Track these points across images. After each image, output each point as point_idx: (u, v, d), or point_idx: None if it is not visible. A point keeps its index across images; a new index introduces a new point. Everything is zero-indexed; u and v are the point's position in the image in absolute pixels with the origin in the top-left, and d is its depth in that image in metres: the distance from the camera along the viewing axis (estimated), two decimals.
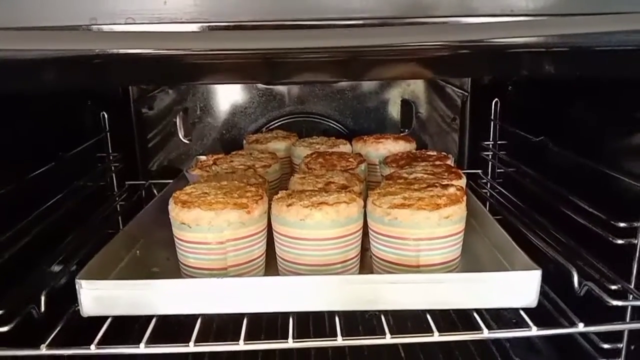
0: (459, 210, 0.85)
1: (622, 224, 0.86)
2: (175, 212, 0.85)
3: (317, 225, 0.83)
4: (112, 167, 1.43)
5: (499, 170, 1.46)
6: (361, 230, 0.89)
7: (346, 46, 0.60)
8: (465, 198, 0.87)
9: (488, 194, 1.43)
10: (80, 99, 1.31)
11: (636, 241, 0.86)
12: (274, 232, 0.89)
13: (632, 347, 0.90)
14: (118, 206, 1.41)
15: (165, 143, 1.54)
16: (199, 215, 0.83)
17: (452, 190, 0.88)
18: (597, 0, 0.62)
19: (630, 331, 0.89)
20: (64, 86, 0.70)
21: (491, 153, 1.47)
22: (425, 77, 0.79)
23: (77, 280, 0.80)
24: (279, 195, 0.91)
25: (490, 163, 1.47)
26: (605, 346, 0.90)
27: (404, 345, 0.77)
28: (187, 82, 0.75)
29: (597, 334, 0.91)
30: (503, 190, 1.37)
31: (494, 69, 0.73)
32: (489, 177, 1.48)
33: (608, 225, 0.89)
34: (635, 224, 0.85)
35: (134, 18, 0.60)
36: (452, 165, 1.15)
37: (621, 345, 0.91)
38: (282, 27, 0.62)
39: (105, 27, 0.61)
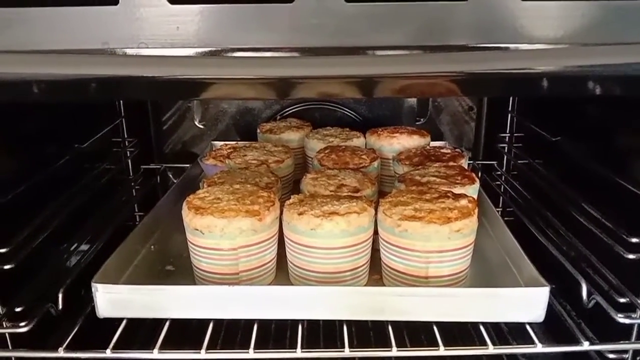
0: (470, 224, 0.85)
1: (634, 239, 0.85)
2: (189, 218, 0.87)
3: (328, 234, 0.84)
4: (128, 152, 1.44)
5: (513, 163, 1.45)
6: (371, 238, 0.89)
7: (362, 75, 0.60)
8: (476, 210, 0.87)
9: (502, 187, 1.42)
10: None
11: None
12: (285, 238, 0.90)
13: (638, 359, 0.91)
14: (134, 191, 1.43)
15: (179, 128, 1.55)
16: (212, 223, 0.84)
17: (463, 202, 0.88)
18: (617, 30, 0.60)
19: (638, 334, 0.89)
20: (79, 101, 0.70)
21: (507, 146, 1.45)
22: (440, 96, 0.77)
23: (93, 284, 0.82)
24: (290, 200, 0.92)
25: (505, 156, 1.46)
26: (611, 356, 0.91)
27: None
28: (197, 99, 0.74)
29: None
30: (516, 185, 1.36)
31: (511, 92, 0.71)
32: (503, 169, 1.47)
33: (619, 238, 0.88)
34: None
35: (147, 43, 0.60)
36: (466, 166, 1.14)
37: (627, 356, 0.92)
38: (294, 50, 0.61)
39: (118, 51, 0.61)
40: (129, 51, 0.60)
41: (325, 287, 0.84)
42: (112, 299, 0.83)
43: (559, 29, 0.60)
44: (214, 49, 0.61)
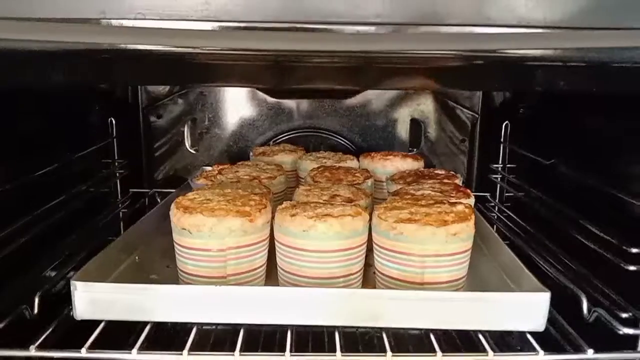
0: (467, 228, 0.82)
1: (634, 250, 0.84)
2: (177, 217, 0.84)
3: (321, 236, 0.81)
4: (117, 174, 1.42)
5: (507, 194, 1.44)
6: (365, 245, 0.87)
7: (356, 50, 0.59)
8: (473, 216, 0.85)
9: (495, 217, 1.40)
10: (89, 103, 1.31)
11: None
12: (275, 243, 0.87)
13: None
14: (121, 213, 1.39)
15: (171, 152, 1.53)
16: (201, 221, 0.81)
17: (460, 207, 0.86)
18: (615, 15, 0.61)
19: None
20: (68, 80, 0.69)
21: (500, 176, 1.45)
22: (436, 88, 0.77)
23: (72, 282, 0.78)
24: (283, 205, 0.90)
25: (498, 186, 1.45)
26: None
27: None
28: (195, 83, 0.73)
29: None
30: (511, 214, 1.34)
31: (507, 82, 0.71)
32: (497, 200, 1.46)
33: (620, 250, 0.86)
34: None
35: (144, 14, 0.60)
36: (461, 184, 1.12)
37: None
38: (293, 30, 0.61)
39: (114, 22, 0.60)
40: (126, 22, 0.60)
41: (319, 289, 0.80)
42: (92, 299, 0.78)
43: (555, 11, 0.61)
44: (212, 23, 0.60)
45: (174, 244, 0.86)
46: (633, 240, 0.84)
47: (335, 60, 0.61)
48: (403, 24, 0.60)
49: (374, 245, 0.87)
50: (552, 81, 0.68)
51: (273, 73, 0.65)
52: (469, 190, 1.04)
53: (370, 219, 0.87)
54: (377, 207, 0.88)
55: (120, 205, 1.40)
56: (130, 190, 1.46)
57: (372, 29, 0.60)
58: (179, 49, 0.60)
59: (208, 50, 0.60)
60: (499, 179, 1.45)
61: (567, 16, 0.61)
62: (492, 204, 1.45)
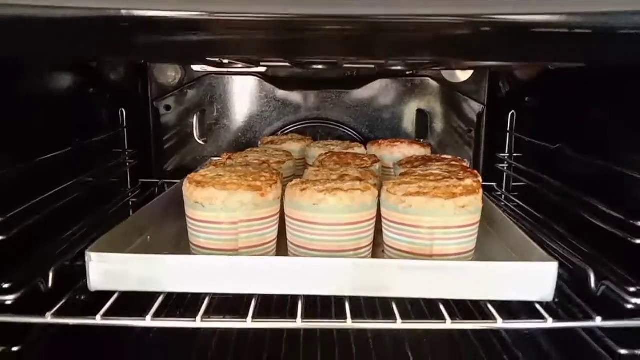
0: (475, 201, 0.83)
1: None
2: (190, 191, 0.85)
3: (331, 209, 0.83)
4: (127, 164, 1.43)
5: (514, 184, 1.45)
6: (374, 220, 0.88)
7: (356, 15, 0.61)
8: (481, 190, 0.86)
9: (503, 206, 1.41)
10: (100, 91, 1.33)
11: None
12: (286, 218, 0.88)
13: None
14: (130, 202, 1.41)
15: (180, 143, 1.55)
16: (213, 195, 0.83)
17: (468, 181, 0.87)
18: None
19: None
20: (67, 49, 0.70)
21: (507, 165, 1.46)
22: (439, 59, 0.77)
23: (86, 253, 0.79)
24: (293, 182, 0.91)
25: (505, 175, 1.46)
26: (623, 352, 0.87)
27: (410, 333, 0.74)
28: (202, 56, 0.74)
29: (614, 338, 0.88)
30: (519, 202, 1.35)
31: (513, 53, 0.72)
32: (503, 189, 1.47)
33: (627, 226, 0.87)
34: None
35: None
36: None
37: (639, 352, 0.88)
38: None
39: None
40: None
41: (328, 258, 0.81)
42: (106, 270, 0.79)
43: None
44: None
45: (186, 218, 0.88)
46: (638, 215, 0.85)
47: (337, 26, 0.62)
48: None
49: (383, 220, 0.88)
50: (561, 52, 0.70)
51: (278, 41, 0.66)
52: (476, 171, 1.05)
53: (379, 196, 0.88)
54: (385, 183, 0.90)
55: (130, 195, 1.42)
56: (140, 180, 1.48)
57: None
58: (185, 13, 0.61)
59: (220, 16, 0.61)
60: (505, 167, 1.46)
61: None
62: (499, 194, 1.46)
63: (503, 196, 1.44)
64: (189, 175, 0.90)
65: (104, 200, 1.28)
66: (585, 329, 0.97)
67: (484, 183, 1.47)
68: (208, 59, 1.04)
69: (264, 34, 0.65)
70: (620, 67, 0.88)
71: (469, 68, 1.43)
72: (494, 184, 1.49)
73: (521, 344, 1.14)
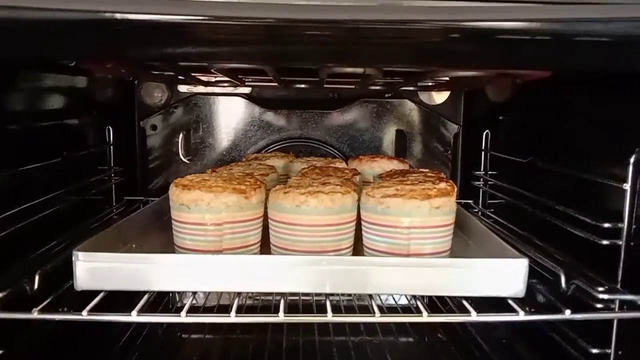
0: (449, 203, 0.88)
1: (606, 225, 0.89)
2: (176, 194, 0.88)
3: (312, 211, 0.86)
4: (112, 180, 1.45)
5: (490, 201, 1.50)
6: (354, 222, 0.91)
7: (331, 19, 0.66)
8: (455, 193, 0.91)
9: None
10: (88, 108, 1.36)
11: (621, 242, 0.89)
12: (269, 221, 0.91)
13: (620, 353, 0.91)
14: (114, 217, 1.42)
15: (166, 162, 1.58)
16: (199, 196, 0.86)
17: (442, 185, 0.91)
18: None
19: (618, 333, 0.89)
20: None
21: (482, 182, 1.51)
22: (408, 64, 0.82)
23: (73, 252, 0.81)
24: (276, 187, 0.95)
25: (481, 191, 1.51)
26: (594, 351, 0.91)
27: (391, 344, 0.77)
28: (186, 60, 0.78)
29: (586, 337, 0.92)
30: (495, 217, 1.40)
31: (481, 58, 0.78)
32: (480, 205, 1.52)
33: (594, 228, 0.91)
34: (620, 225, 0.89)
35: None
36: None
37: (609, 351, 0.91)
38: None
39: None
40: None
41: (310, 256, 0.84)
42: (93, 269, 0.81)
43: None
44: None
45: (172, 222, 0.91)
46: (604, 217, 0.90)
47: (316, 31, 0.67)
48: None
49: (363, 223, 0.92)
50: (525, 58, 0.75)
51: (261, 45, 0.71)
52: (452, 182, 1.09)
53: (359, 200, 0.92)
54: (365, 187, 0.94)
55: (114, 211, 1.43)
56: (125, 198, 1.50)
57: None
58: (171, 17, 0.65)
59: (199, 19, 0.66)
60: (481, 184, 1.51)
61: None
62: (476, 210, 1.51)
63: (480, 212, 1.49)
64: (175, 180, 0.93)
65: (88, 215, 1.30)
66: (558, 331, 1.01)
67: (461, 200, 1.53)
68: (192, 68, 1.08)
69: (245, 38, 0.70)
70: (584, 80, 0.94)
71: (444, 87, 1.50)
72: (470, 201, 1.54)
73: (499, 352, 1.17)
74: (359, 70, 0.87)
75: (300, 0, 0.66)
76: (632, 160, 0.87)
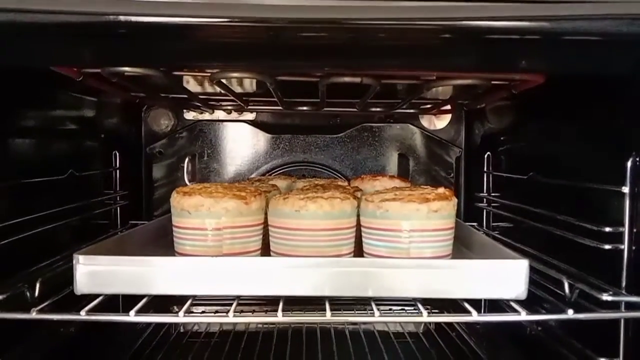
0: (447, 207, 0.88)
1: (607, 229, 0.89)
2: (177, 200, 0.90)
3: (311, 215, 0.87)
4: (118, 204, 1.47)
5: (494, 223, 1.50)
6: (354, 228, 0.92)
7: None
8: (454, 198, 0.91)
9: None
10: (95, 130, 1.39)
11: (623, 246, 0.88)
12: (269, 228, 0.92)
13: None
14: None
15: (171, 186, 1.59)
16: (199, 202, 0.87)
17: (441, 190, 0.92)
18: None
19: (625, 341, 0.87)
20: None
21: (486, 203, 1.51)
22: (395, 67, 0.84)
23: (74, 256, 0.82)
24: (276, 196, 0.96)
25: (485, 212, 1.51)
26: None
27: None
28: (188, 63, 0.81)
29: (593, 347, 0.90)
30: (500, 237, 1.39)
31: (472, 59, 0.80)
32: (484, 227, 1.51)
33: (596, 234, 0.91)
34: (621, 229, 0.88)
35: None
36: None
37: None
38: None
39: None
40: None
41: (310, 258, 0.83)
42: (93, 273, 0.82)
43: None
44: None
45: (173, 229, 0.91)
46: (605, 222, 0.90)
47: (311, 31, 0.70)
48: None
49: (362, 229, 0.92)
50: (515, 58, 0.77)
51: (261, 53, 0.74)
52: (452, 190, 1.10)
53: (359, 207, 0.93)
54: (363, 196, 0.94)
55: (118, 233, 1.44)
56: (130, 222, 1.51)
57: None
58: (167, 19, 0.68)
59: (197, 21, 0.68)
60: (485, 205, 1.51)
61: None
62: (481, 232, 1.50)
63: (484, 234, 1.48)
64: (176, 189, 0.94)
65: (93, 236, 1.31)
66: (565, 342, 0.99)
67: (466, 223, 1.53)
68: (196, 95, 1.11)
69: (243, 41, 0.72)
70: (578, 85, 0.96)
71: (443, 110, 1.52)
72: (475, 223, 1.53)
73: None
74: (357, 79, 0.89)
75: (296, 1, 0.69)
76: (629, 163, 0.88)
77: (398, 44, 0.74)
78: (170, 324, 1.46)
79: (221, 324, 1.24)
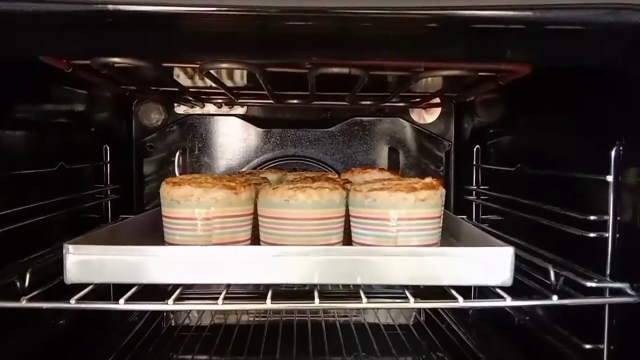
0: (434, 196, 0.89)
1: (592, 217, 0.90)
2: (167, 190, 0.90)
3: (300, 205, 0.88)
4: (108, 198, 1.47)
5: (483, 216, 1.51)
6: (343, 218, 0.93)
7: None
8: (441, 187, 0.92)
9: None
10: (85, 124, 1.39)
11: (607, 234, 0.89)
12: (259, 219, 0.93)
13: (612, 347, 0.90)
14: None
15: (162, 180, 1.59)
16: (189, 192, 0.88)
17: (428, 180, 0.93)
18: None
19: (610, 327, 0.89)
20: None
21: (475, 196, 1.52)
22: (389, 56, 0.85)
23: (64, 245, 0.82)
24: (265, 187, 0.96)
25: (474, 205, 1.52)
26: (587, 346, 0.90)
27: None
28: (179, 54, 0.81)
29: (578, 334, 0.92)
30: (489, 229, 1.41)
31: (462, 50, 0.81)
32: (474, 220, 1.52)
33: (581, 222, 0.92)
34: (605, 217, 0.90)
35: None
36: None
37: (602, 346, 0.90)
38: None
39: None
40: None
41: (299, 246, 0.84)
42: (83, 262, 0.82)
43: None
44: None
45: (163, 219, 0.92)
46: (590, 211, 0.91)
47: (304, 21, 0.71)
48: None
49: (351, 219, 0.93)
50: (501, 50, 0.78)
51: (251, 41, 0.74)
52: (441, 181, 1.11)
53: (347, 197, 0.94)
54: (352, 186, 0.95)
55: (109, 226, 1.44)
56: (120, 216, 1.51)
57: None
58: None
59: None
60: (474, 198, 1.52)
61: None
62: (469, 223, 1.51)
63: (472, 225, 1.50)
64: (165, 179, 0.95)
65: (83, 229, 1.31)
66: (551, 330, 1.00)
67: (455, 216, 1.54)
68: (187, 90, 1.12)
69: (233, 30, 0.73)
70: (563, 75, 0.97)
71: (433, 103, 1.53)
72: (464, 216, 1.54)
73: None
74: (345, 70, 0.90)
75: None
76: (613, 153, 0.89)
77: (385, 33, 0.75)
78: (162, 318, 1.48)
79: (212, 315, 1.26)
